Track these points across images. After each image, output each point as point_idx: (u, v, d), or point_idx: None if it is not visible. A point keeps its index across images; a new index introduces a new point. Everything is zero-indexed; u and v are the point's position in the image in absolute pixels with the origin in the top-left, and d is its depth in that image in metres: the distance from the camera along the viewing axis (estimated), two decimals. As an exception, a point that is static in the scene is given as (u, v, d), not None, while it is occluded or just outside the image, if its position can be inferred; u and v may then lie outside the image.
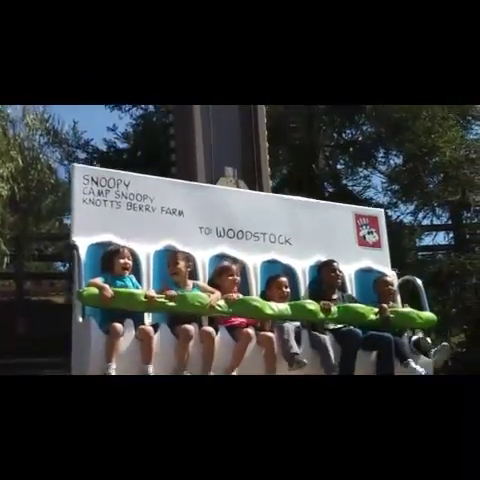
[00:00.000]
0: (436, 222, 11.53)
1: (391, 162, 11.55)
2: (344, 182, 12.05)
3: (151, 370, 4.49)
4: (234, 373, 4.74)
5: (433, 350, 5.36)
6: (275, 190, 7.73)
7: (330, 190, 11.86)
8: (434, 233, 11.89)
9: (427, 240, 11.97)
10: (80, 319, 4.66)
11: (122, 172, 5.20)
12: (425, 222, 11.36)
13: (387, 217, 10.96)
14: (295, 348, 4.84)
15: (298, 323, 5.09)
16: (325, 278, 5.46)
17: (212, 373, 4.66)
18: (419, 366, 5.14)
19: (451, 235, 11.71)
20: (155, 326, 4.71)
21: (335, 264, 5.46)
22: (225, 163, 5.60)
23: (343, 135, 11.96)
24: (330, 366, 4.91)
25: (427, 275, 9.96)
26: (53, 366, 18.43)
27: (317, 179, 11.14)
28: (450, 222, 11.62)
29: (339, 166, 11.92)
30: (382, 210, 6.07)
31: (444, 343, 5.60)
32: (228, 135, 5.77)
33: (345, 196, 11.33)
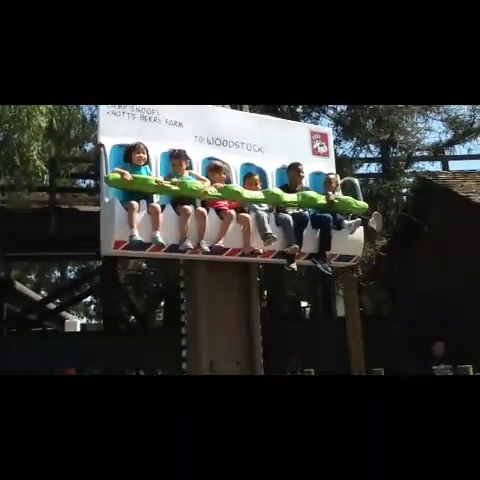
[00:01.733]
0: (369, 155, 12.89)
1: (337, 108, 12.72)
2: (301, 122, 13.30)
3: (158, 234, 4.98)
4: (220, 242, 5.27)
5: (370, 220, 5.99)
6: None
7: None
8: (368, 164, 13.40)
9: (362, 169, 13.38)
10: (106, 199, 5.10)
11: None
12: (361, 155, 12.67)
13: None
14: (268, 229, 5.42)
15: (267, 208, 5.68)
16: (292, 176, 5.99)
17: (204, 241, 5.17)
18: (351, 222, 5.80)
19: (380, 166, 13.10)
20: (162, 206, 5.15)
21: (300, 166, 6.00)
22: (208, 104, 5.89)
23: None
24: (290, 238, 5.57)
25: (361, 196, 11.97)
26: (78, 258, 20.19)
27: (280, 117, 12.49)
28: (380, 156, 12.97)
29: (298, 109, 13.38)
30: (331, 129, 6.80)
31: (375, 212, 6.23)
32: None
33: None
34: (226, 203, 5.51)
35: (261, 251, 5.47)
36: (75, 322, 19.88)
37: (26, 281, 23.82)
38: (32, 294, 19.58)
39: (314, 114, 13.10)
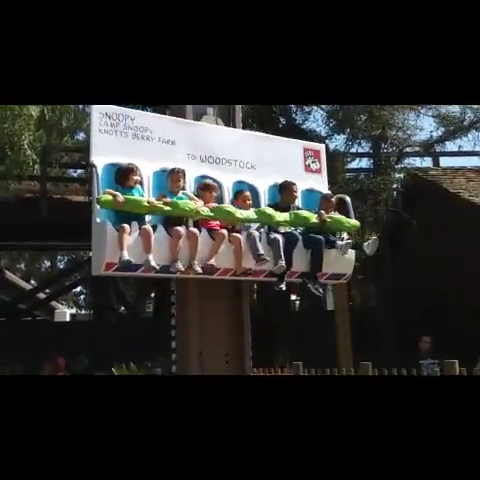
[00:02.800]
0: (361, 150, 12.88)
1: (330, 102, 12.99)
2: (293, 116, 13.20)
3: (151, 257, 4.96)
4: (212, 261, 5.26)
5: (365, 244, 6.01)
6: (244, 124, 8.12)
7: (283, 122, 13.01)
8: (359, 159, 13.38)
9: (353, 164, 13.33)
10: (98, 220, 5.06)
11: (129, 109, 5.54)
12: (353, 150, 12.67)
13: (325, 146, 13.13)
14: (261, 250, 5.39)
15: (258, 225, 5.66)
16: (285, 196, 5.90)
17: (196, 262, 5.16)
18: (343, 243, 5.78)
19: (371, 161, 13.13)
20: (154, 227, 5.12)
21: (294, 186, 5.92)
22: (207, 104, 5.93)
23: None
24: (279, 257, 5.54)
25: (352, 191, 11.27)
26: (69, 248, 20.27)
27: (273, 113, 12.46)
28: (371, 151, 12.99)
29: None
30: (323, 145, 6.63)
31: (374, 237, 6.28)
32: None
33: (293, 127, 12.72)
34: (218, 222, 5.51)
35: (252, 271, 5.49)
36: (65, 312, 19.89)
37: (16, 270, 23.75)
38: (22, 283, 19.57)
39: (306, 108, 13.13)
